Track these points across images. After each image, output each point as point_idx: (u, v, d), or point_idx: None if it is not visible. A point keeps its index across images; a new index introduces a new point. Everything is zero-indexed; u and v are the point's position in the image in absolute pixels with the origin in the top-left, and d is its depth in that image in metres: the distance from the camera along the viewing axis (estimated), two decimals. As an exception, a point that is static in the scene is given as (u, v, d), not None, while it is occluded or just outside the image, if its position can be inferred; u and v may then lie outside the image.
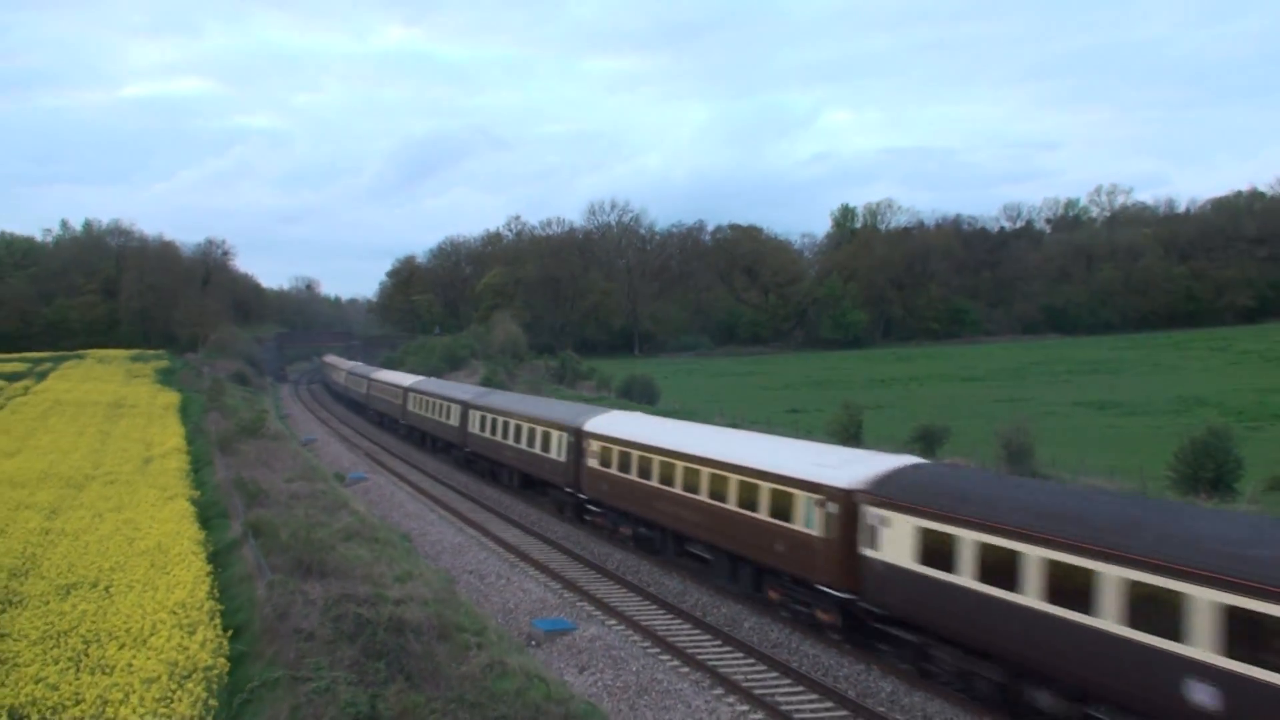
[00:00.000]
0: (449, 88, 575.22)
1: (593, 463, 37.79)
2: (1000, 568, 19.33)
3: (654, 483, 32.61)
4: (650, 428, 36.53)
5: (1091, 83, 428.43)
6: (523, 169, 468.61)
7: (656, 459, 32.61)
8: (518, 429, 46.34)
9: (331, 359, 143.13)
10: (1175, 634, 16.11)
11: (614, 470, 35.83)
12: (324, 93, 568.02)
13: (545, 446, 42.83)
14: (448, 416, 58.37)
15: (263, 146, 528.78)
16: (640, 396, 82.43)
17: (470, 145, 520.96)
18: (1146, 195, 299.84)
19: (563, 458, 40.66)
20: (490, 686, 17.95)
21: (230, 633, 18.71)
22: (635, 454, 34.30)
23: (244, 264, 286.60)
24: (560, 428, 41.19)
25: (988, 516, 19.89)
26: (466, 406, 54.81)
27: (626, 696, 21.13)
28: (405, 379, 77.09)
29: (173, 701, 14.48)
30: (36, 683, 15.09)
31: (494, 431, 49.73)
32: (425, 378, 79.42)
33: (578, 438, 39.25)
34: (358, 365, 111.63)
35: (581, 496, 39.24)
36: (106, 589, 21.04)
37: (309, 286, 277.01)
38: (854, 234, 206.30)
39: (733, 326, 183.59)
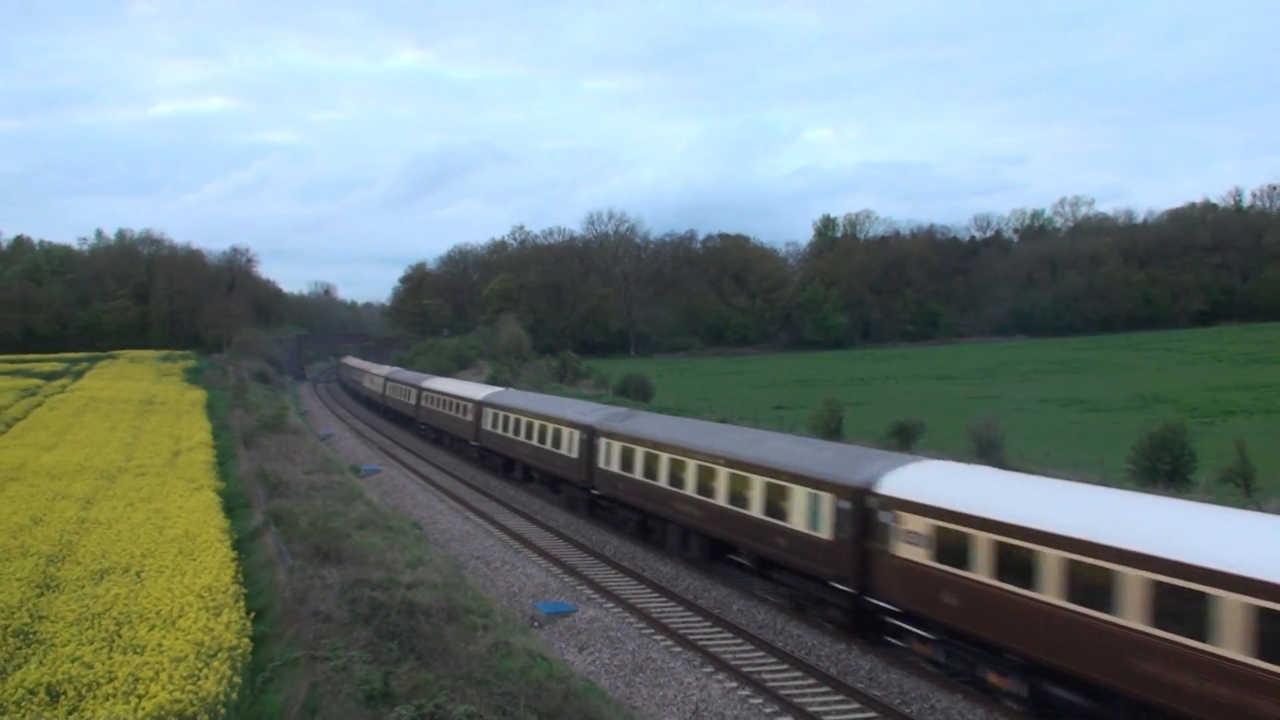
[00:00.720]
0: (457, 106, 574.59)
1: (913, 552, 21.14)
2: None
3: (1129, 622, 16.30)
4: (1058, 503, 19.11)
5: (1057, 101, 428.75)
6: (525, 181, 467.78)
7: (1135, 576, 16.25)
8: (706, 475, 29.55)
9: (355, 362, 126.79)
10: None
11: (980, 576, 19.35)
12: (340, 111, 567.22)
13: (778, 509, 25.88)
14: (558, 444, 41.88)
15: (283, 161, 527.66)
16: (636, 394, 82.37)
17: (476, 159, 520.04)
18: (1107, 206, 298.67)
19: (826, 533, 24.12)
20: (496, 665, 17.95)
21: (253, 615, 18.68)
22: (1052, 556, 17.76)
23: (266, 270, 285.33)
24: (821, 485, 24.41)
25: None
26: (593, 433, 38.35)
27: (623, 674, 21.14)
28: (476, 390, 59.27)
29: (199, 679, 14.45)
30: (72, 661, 15.07)
31: (654, 474, 32.98)
32: (503, 389, 59.73)
33: (860, 503, 23.00)
34: (397, 371, 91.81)
35: (879, 603, 22.75)
36: (138, 574, 21.00)
37: (327, 291, 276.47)
38: (835, 242, 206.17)
39: (722, 329, 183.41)
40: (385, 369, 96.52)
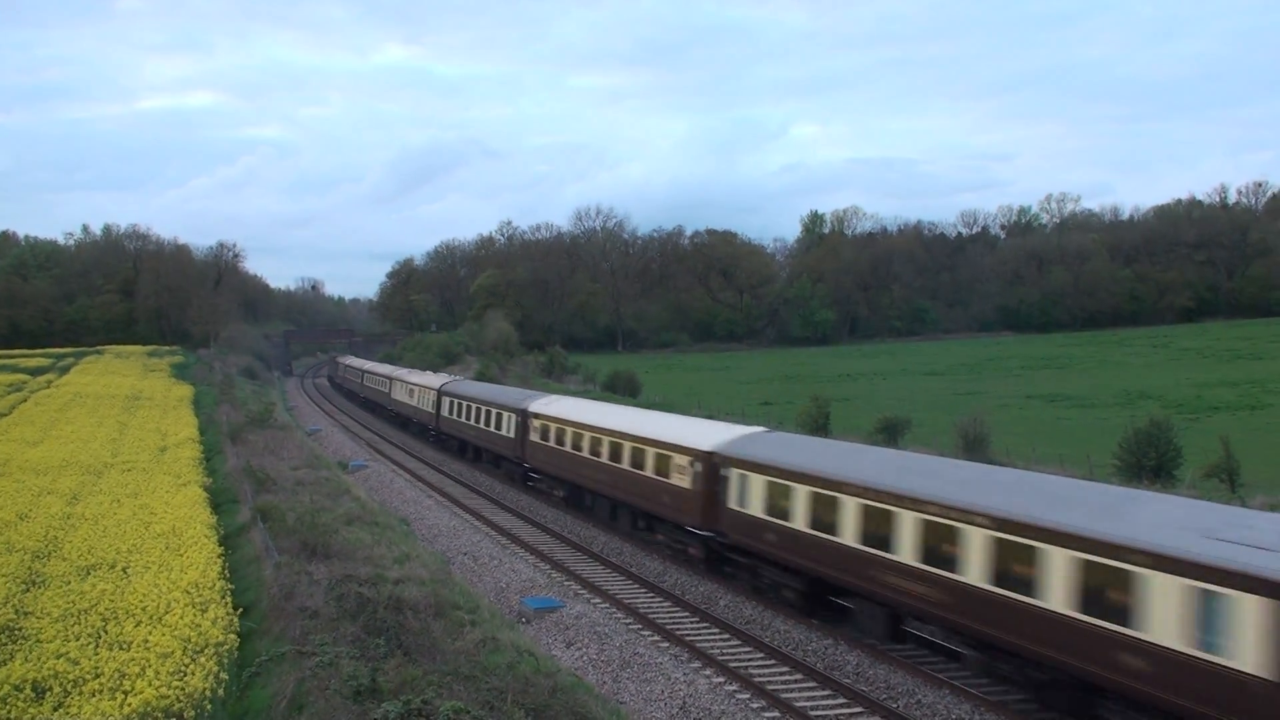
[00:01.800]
0: (445, 102, 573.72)
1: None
2: None
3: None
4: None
5: (1044, 98, 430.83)
6: (513, 178, 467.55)
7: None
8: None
9: (370, 365, 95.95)
10: None
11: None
12: (328, 106, 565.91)
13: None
14: (977, 568, 19.69)
15: (270, 156, 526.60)
16: (623, 390, 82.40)
17: (464, 155, 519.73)
18: (1094, 203, 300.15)
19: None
20: (483, 660, 17.95)
21: (240, 611, 18.66)
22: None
23: (253, 266, 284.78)
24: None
25: None
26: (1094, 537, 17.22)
27: (610, 669, 21.15)
28: (703, 431, 31.67)
29: (186, 675, 14.44)
30: (58, 658, 15.03)
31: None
32: (756, 430, 31.80)
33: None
34: (461, 384, 62.93)
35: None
36: (124, 570, 20.95)
37: (314, 287, 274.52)
38: (822, 239, 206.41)
39: (709, 325, 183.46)
40: (434, 378, 69.05)
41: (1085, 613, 17.09)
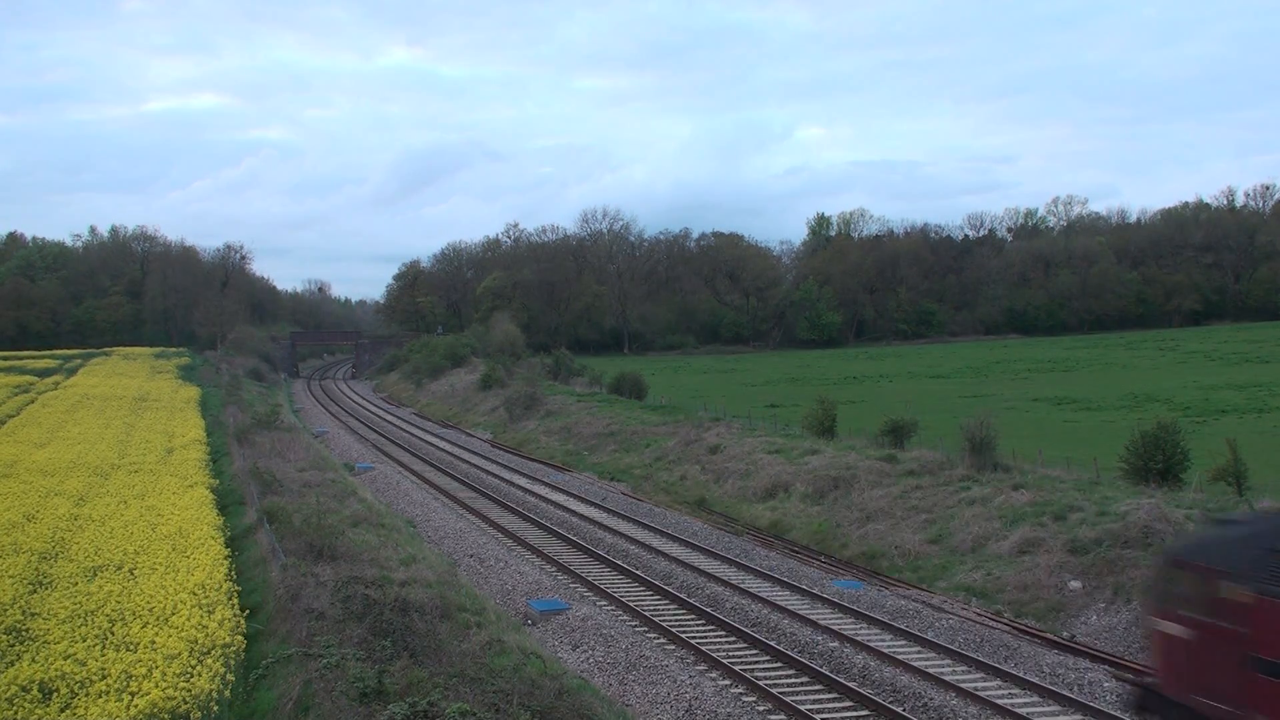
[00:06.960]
0: (448, 104, 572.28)
1: None
2: None
3: None
4: None
5: (1048, 101, 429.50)
6: (516, 179, 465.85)
7: None
8: None
9: None
10: None
11: None
12: (332, 108, 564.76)
13: None
14: None
15: (273, 158, 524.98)
16: (630, 392, 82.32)
17: (467, 157, 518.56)
18: (1100, 206, 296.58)
19: None
20: (489, 663, 17.95)
21: (246, 612, 18.67)
22: None
23: (257, 268, 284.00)
24: None
25: None
26: None
27: (616, 672, 21.15)
28: None
29: (193, 676, 14.45)
30: (65, 659, 15.05)
31: None
32: None
33: None
34: None
35: None
36: (131, 571, 20.98)
37: (321, 289, 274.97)
38: (829, 241, 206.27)
39: (715, 327, 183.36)
40: None
41: None
